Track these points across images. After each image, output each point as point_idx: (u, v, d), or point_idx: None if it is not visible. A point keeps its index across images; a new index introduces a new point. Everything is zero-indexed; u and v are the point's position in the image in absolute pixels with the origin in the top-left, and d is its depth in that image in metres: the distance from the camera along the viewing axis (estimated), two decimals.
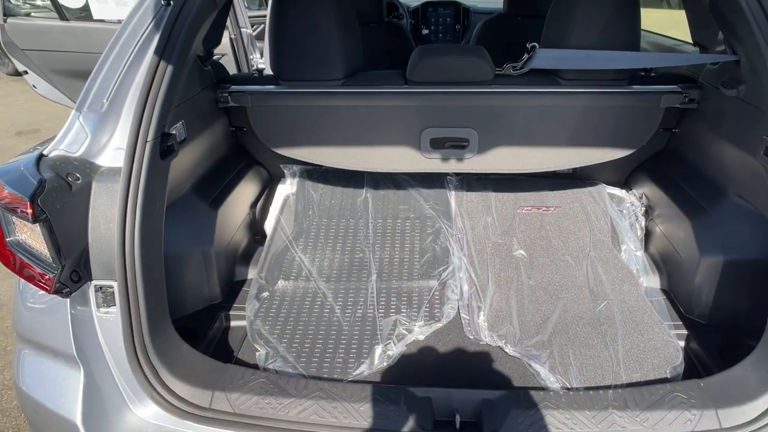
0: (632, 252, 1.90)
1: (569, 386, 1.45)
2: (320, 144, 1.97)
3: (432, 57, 1.88)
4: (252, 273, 1.95)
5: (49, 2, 3.50)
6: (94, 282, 1.23)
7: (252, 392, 1.27)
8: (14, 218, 1.16)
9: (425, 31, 4.59)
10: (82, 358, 1.22)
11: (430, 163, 1.96)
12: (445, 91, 1.86)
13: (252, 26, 3.78)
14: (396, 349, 1.60)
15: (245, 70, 3.65)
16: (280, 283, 1.85)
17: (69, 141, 1.26)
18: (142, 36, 1.36)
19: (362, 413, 1.22)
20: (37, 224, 1.09)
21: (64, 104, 2.90)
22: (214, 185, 1.91)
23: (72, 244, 1.18)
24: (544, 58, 1.78)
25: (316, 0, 1.81)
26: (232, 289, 1.89)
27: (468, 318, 1.72)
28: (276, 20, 1.88)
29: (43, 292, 1.21)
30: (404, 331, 1.65)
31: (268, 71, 2.09)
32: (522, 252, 1.94)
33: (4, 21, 2.66)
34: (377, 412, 1.22)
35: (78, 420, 1.18)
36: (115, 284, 1.22)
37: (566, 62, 1.78)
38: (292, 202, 2.17)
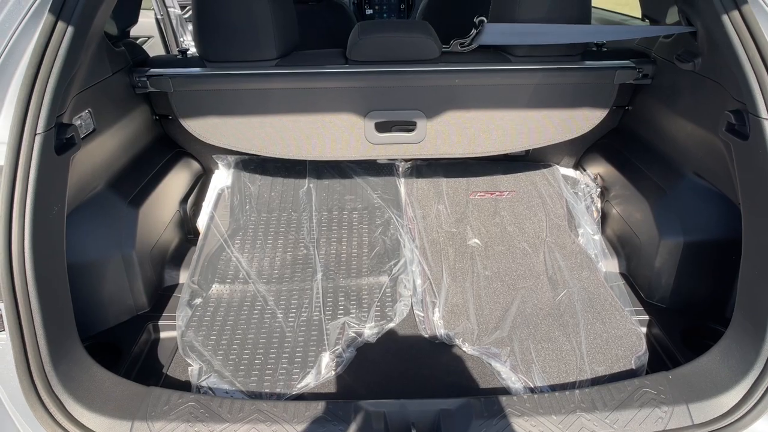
0: (590, 236, 1.83)
1: (533, 386, 1.35)
2: (254, 131, 1.78)
3: (374, 34, 1.72)
4: (183, 277, 1.75)
5: None
6: None
7: (179, 419, 1.10)
8: None
9: (369, 11, 4.41)
10: None
11: (376, 149, 1.81)
12: (388, 70, 1.71)
13: (182, 8, 3.49)
14: (345, 356, 1.46)
15: (174, 53, 3.36)
16: (215, 288, 1.66)
17: None
18: (29, 10, 1.13)
19: None
20: None
21: None
22: (134, 181, 1.69)
23: None
24: (493, 33, 1.66)
25: None
26: (161, 296, 1.69)
27: (422, 315, 1.60)
28: None
29: None
30: (353, 335, 1.51)
31: (195, 54, 1.87)
32: (476, 241, 1.83)
33: None
34: None
35: None
36: (1, 306, 1.01)
37: (516, 37, 1.67)
38: (227, 195, 1.97)
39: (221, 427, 1.09)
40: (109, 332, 1.54)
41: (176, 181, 1.92)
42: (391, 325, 1.56)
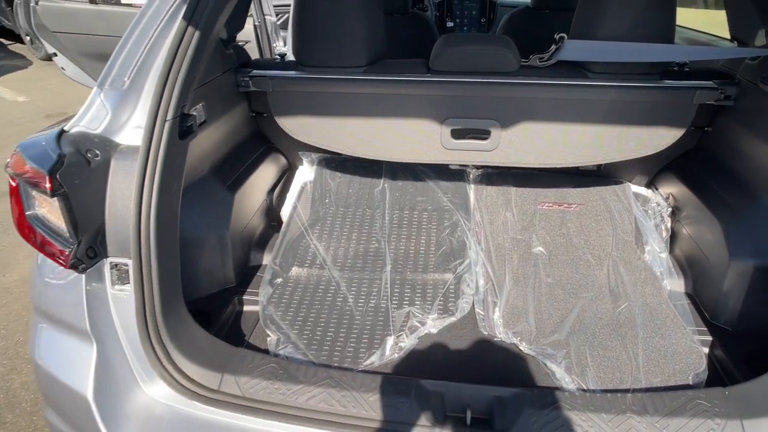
0: (656, 253, 1.83)
1: (585, 388, 1.40)
2: (340, 132, 1.95)
3: (457, 46, 1.84)
4: (266, 259, 1.94)
5: None
6: (109, 259, 1.23)
7: (261, 377, 1.26)
8: (34, 192, 1.17)
9: (450, 24, 4.54)
10: (96, 334, 1.22)
11: (451, 154, 1.92)
12: (468, 81, 1.82)
13: (276, 15, 3.77)
14: (408, 342, 1.57)
15: (268, 57, 3.64)
16: (294, 270, 1.84)
17: (89, 118, 1.25)
18: (165, 15, 1.35)
19: (371, 403, 1.20)
20: (55, 198, 1.09)
21: (90, 86, 2.93)
22: (232, 169, 1.91)
23: (89, 220, 1.18)
24: (573, 49, 1.73)
25: None
26: (247, 274, 1.88)
27: (483, 313, 1.69)
28: (300, 4, 1.86)
29: (61, 267, 1.21)
30: (417, 324, 1.63)
31: (291, 58, 2.07)
32: (541, 249, 1.89)
33: (36, 3, 2.70)
34: (386, 403, 1.20)
35: (89, 395, 1.18)
36: (129, 262, 1.21)
37: (596, 54, 1.72)
38: (309, 189, 2.16)
39: (297, 387, 1.23)
40: (201, 300, 1.74)
41: (265, 173, 2.13)
42: (453, 319, 1.66)
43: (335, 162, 2.26)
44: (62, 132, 1.21)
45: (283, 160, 2.29)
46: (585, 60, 1.79)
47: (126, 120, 1.27)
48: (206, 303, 1.72)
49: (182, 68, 1.28)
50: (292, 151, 2.27)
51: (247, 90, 1.95)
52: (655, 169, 2.11)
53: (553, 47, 1.77)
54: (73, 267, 1.16)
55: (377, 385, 1.24)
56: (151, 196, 1.22)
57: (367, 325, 1.64)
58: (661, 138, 1.84)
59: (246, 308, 1.77)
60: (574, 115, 1.83)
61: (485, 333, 1.63)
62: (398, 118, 1.90)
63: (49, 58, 7.41)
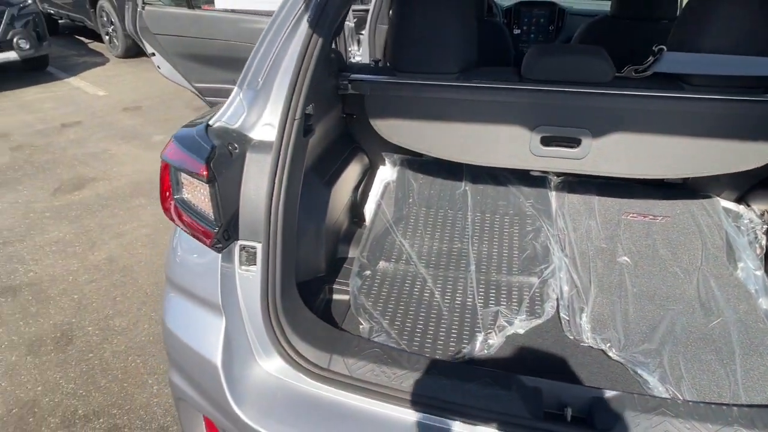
0: (751, 271, 1.80)
1: (681, 398, 1.40)
2: (431, 135, 2.01)
3: (552, 56, 1.87)
4: (353, 252, 2.02)
5: None
6: (240, 241, 1.33)
7: (367, 359, 1.33)
8: (183, 178, 1.28)
9: (517, 31, 4.54)
10: (226, 308, 1.32)
11: (539, 161, 1.95)
12: (562, 90, 1.85)
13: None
14: (496, 340, 1.61)
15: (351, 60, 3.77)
16: (382, 264, 1.91)
17: (230, 114, 1.37)
18: (291, 21, 1.45)
19: (473, 393, 1.24)
20: (208, 185, 1.20)
21: (182, 85, 3.12)
22: (326, 167, 2.00)
23: (228, 206, 1.28)
24: (673, 61, 1.73)
25: None
26: (335, 265, 1.97)
27: (568, 318, 1.70)
28: (399, 13, 1.94)
29: (197, 245, 1.33)
30: (505, 323, 1.66)
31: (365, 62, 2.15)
32: (626, 259, 1.89)
33: (143, 8, 2.91)
34: (488, 394, 1.24)
35: (218, 362, 1.28)
36: (258, 245, 1.31)
37: (698, 67, 1.72)
38: (393, 188, 2.23)
39: (402, 372, 1.30)
40: (300, 285, 1.84)
41: (352, 172, 2.21)
42: (539, 321, 1.69)
43: (417, 164, 2.33)
44: (207, 126, 1.33)
45: (366, 160, 2.38)
46: (686, 73, 1.79)
47: (258, 117, 1.38)
48: (303, 289, 1.81)
49: (309, 71, 1.37)
50: (374, 151, 2.36)
51: (345, 93, 2.05)
52: (746, 184, 2.07)
53: (651, 59, 1.78)
54: (214, 247, 1.27)
55: (478, 377, 1.29)
56: (281, 187, 1.32)
57: (455, 320, 1.68)
58: (758, 154, 1.81)
59: (335, 297, 1.85)
60: (668, 127, 1.83)
61: (571, 338, 1.65)
62: (489, 124, 1.95)
63: (125, 55, 7.87)
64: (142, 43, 3.01)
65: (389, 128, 2.04)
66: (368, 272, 1.88)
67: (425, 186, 2.26)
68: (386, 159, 2.32)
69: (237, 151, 1.30)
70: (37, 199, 4.03)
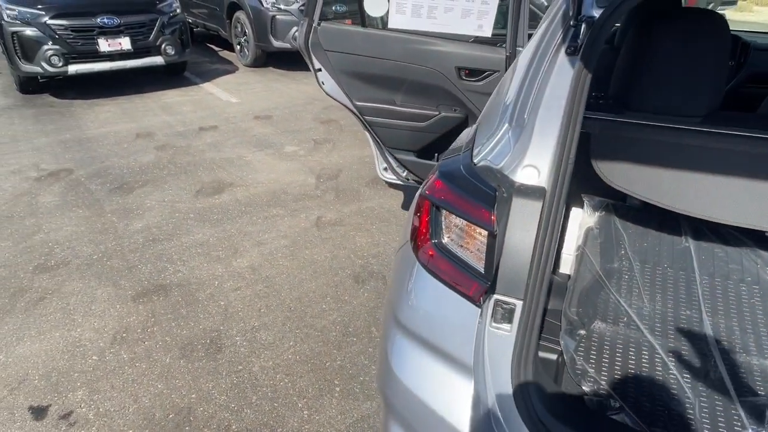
0: None
1: None
2: (659, 182, 1.76)
3: None
4: (552, 303, 1.81)
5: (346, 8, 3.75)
6: (495, 295, 1.17)
7: None
8: (451, 222, 1.15)
9: None
10: (476, 370, 1.16)
11: None
12: None
13: None
14: None
15: None
16: (598, 324, 1.68)
17: (497, 152, 1.23)
18: (549, 56, 1.31)
19: None
20: (490, 235, 1.05)
21: (341, 102, 3.08)
22: None
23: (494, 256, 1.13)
24: None
25: (704, 29, 1.62)
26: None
27: None
28: (641, 47, 1.73)
29: (441, 292, 1.18)
30: None
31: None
32: None
33: (319, 24, 2.91)
34: None
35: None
36: (518, 303, 1.15)
37: None
38: (596, 235, 2.00)
39: None
40: None
41: None
42: None
43: (622, 210, 2.08)
44: (472, 163, 1.19)
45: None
46: None
47: (521, 157, 1.22)
48: None
49: (580, 109, 1.21)
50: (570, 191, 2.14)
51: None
52: None
53: None
54: (475, 302, 1.12)
55: None
56: (551, 239, 1.15)
57: (704, 406, 1.41)
58: None
59: (541, 354, 1.65)
60: None
61: None
62: (732, 177, 1.67)
63: (253, 64, 8.25)
64: (309, 58, 3.00)
65: (613, 171, 1.82)
66: (582, 332, 1.66)
67: (637, 236, 2.00)
68: (585, 201, 2.09)
69: (504, 195, 1.15)
70: (181, 199, 4.19)
